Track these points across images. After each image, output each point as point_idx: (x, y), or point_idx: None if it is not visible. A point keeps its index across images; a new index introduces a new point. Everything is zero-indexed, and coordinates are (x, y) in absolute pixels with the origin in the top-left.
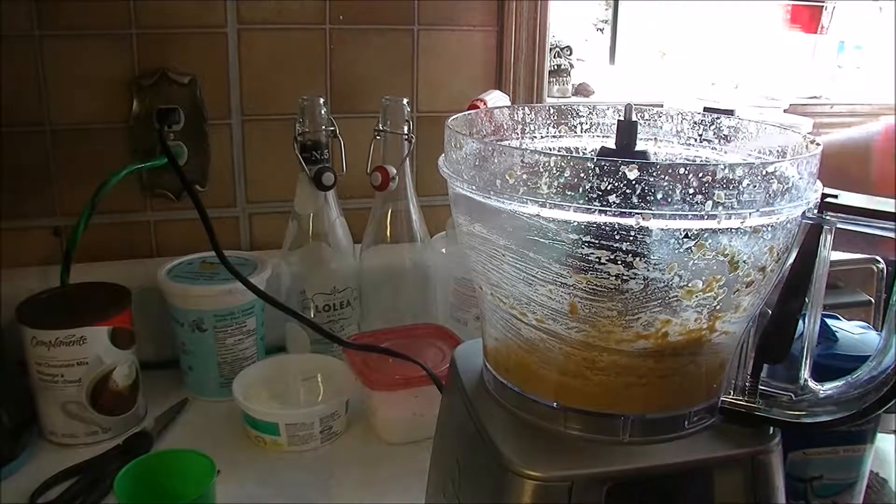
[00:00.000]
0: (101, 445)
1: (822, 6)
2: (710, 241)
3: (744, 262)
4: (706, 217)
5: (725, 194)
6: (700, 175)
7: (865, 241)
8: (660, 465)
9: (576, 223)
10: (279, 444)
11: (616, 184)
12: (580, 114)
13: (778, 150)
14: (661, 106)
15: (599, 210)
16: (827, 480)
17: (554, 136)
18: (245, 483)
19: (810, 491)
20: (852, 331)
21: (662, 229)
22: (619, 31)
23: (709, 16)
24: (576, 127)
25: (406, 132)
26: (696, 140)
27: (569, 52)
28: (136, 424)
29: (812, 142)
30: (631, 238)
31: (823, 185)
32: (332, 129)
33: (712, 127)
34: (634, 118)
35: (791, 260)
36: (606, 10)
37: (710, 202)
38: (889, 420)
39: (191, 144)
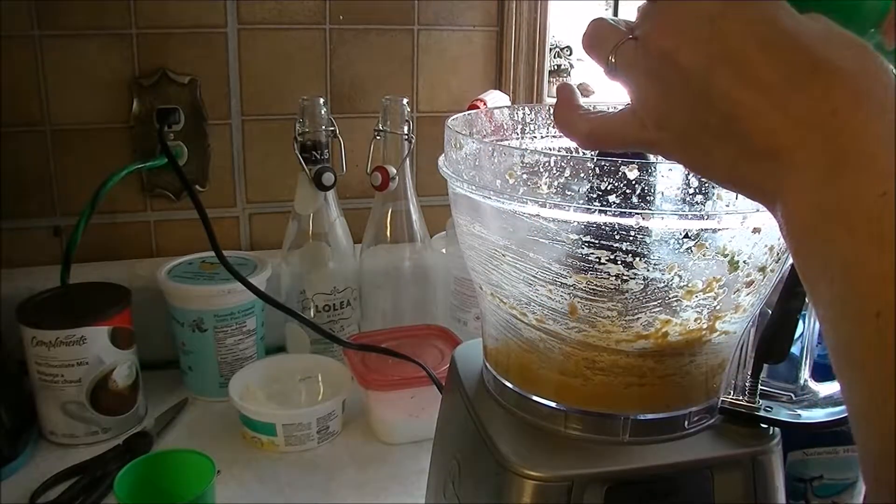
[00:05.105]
0: (101, 445)
1: None
2: (709, 241)
3: (744, 262)
4: (706, 217)
5: (725, 194)
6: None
7: None
8: (660, 465)
9: (576, 223)
10: (276, 445)
11: (616, 184)
12: None
13: None
14: None
15: (599, 210)
16: (827, 480)
17: (554, 136)
18: (245, 483)
19: (810, 491)
20: None
21: (662, 229)
22: None
23: None
24: None
25: (406, 132)
26: None
27: (569, 52)
28: (136, 424)
29: None
30: (631, 238)
31: None
32: (332, 129)
33: None
34: None
35: (791, 260)
36: (606, 10)
37: (710, 202)
38: None
39: (191, 144)
